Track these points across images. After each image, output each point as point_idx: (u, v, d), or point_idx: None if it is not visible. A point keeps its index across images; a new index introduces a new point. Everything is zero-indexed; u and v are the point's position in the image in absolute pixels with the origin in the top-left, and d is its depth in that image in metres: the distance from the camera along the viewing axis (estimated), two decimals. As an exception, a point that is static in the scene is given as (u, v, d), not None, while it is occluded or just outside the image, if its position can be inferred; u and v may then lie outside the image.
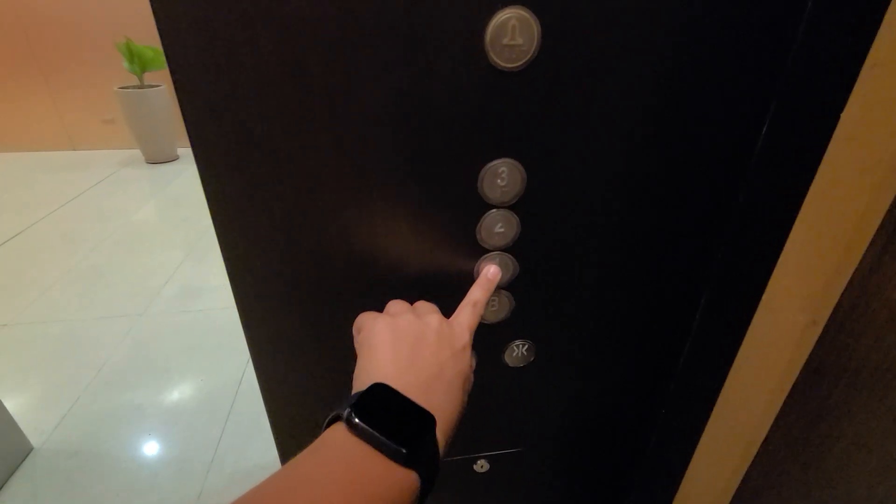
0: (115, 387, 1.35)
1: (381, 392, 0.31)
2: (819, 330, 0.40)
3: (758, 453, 0.49)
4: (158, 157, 3.12)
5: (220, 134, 0.36)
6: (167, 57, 0.33)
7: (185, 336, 1.54)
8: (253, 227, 0.41)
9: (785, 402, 0.45)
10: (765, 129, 0.41)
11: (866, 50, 0.35)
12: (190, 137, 0.36)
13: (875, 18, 0.34)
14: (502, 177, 0.40)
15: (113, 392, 1.33)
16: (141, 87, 2.93)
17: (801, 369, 0.43)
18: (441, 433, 0.31)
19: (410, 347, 0.35)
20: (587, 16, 0.35)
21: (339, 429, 0.28)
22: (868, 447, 0.44)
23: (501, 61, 0.35)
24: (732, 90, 0.39)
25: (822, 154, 0.38)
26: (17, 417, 1.12)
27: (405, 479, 0.27)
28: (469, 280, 0.44)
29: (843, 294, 0.38)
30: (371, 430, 0.27)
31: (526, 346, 0.52)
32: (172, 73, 0.34)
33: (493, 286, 0.43)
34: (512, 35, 0.34)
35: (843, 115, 0.37)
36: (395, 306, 0.40)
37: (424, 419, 0.30)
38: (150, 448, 1.17)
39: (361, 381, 0.33)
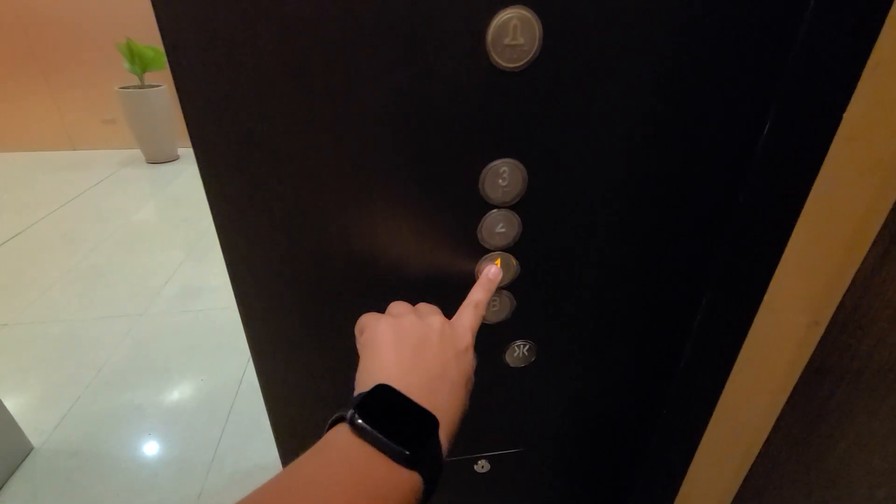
0: (115, 387, 1.35)
1: (384, 393, 0.31)
2: (821, 330, 0.40)
3: (759, 454, 0.49)
4: (159, 158, 3.12)
5: (220, 134, 0.36)
6: (168, 57, 0.33)
7: (186, 336, 1.54)
8: (253, 227, 0.41)
9: (786, 403, 0.45)
10: (766, 129, 0.41)
11: (869, 50, 0.35)
12: (191, 137, 0.36)
13: (877, 18, 0.34)
14: (503, 177, 0.40)
15: (113, 392, 1.33)
16: (141, 87, 2.93)
17: (802, 370, 0.43)
18: (444, 434, 0.31)
19: (413, 348, 0.35)
20: (588, 16, 0.35)
21: (342, 430, 0.28)
22: (870, 448, 0.44)
23: (503, 61, 0.35)
24: (733, 90, 0.39)
25: (824, 154, 0.38)
26: (17, 417, 1.12)
27: (408, 480, 0.27)
28: (470, 280, 0.44)
29: (845, 294, 0.38)
30: (374, 431, 0.27)
31: (527, 347, 0.52)
32: (173, 72, 0.34)
33: (494, 286, 0.43)
34: (513, 35, 0.34)
35: (845, 116, 0.37)
36: (398, 307, 0.40)
37: (428, 420, 0.30)
38: (151, 448, 1.17)
39: (364, 382, 0.33)
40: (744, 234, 0.46)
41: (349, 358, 0.39)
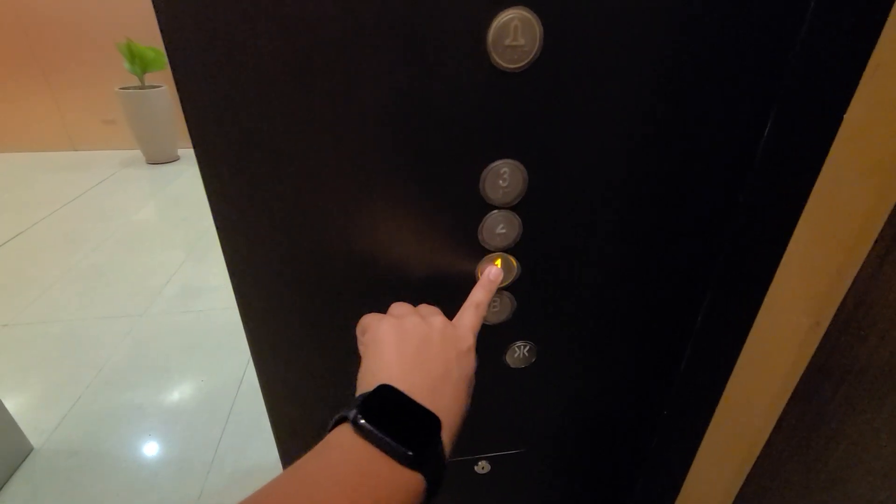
0: (115, 387, 1.35)
1: (386, 394, 0.31)
2: (822, 331, 0.40)
3: (760, 455, 0.49)
4: (159, 158, 3.12)
5: (221, 134, 0.36)
6: (169, 57, 0.33)
7: (186, 336, 1.54)
8: (254, 227, 0.41)
9: (787, 404, 0.45)
10: (767, 129, 0.41)
11: (869, 51, 0.34)
12: (191, 137, 0.36)
13: (878, 19, 0.34)
14: (504, 177, 0.40)
15: (113, 392, 1.33)
16: (142, 87, 2.93)
17: (804, 371, 0.42)
18: (446, 435, 0.31)
19: (416, 349, 0.35)
20: (589, 16, 0.35)
21: (344, 430, 0.28)
22: (871, 449, 0.44)
23: (503, 62, 0.35)
24: (734, 90, 0.39)
25: (825, 155, 0.38)
26: (17, 417, 1.12)
27: (411, 481, 0.27)
28: (471, 281, 0.44)
29: (846, 295, 0.38)
30: (377, 432, 0.27)
31: (527, 347, 0.51)
32: (174, 73, 0.34)
33: (494, 287, 0.43)
34: (514, 36, 0.34)
35: (846, 116, 0.36)
36: (399, 308, 0.40)
37: (430, 421, 0.30)
38: (151, 448, 1.17)
39: (367, 382, 0.33)
40: (745, 235, 0.46)
41: (349, 358, 0.39)
